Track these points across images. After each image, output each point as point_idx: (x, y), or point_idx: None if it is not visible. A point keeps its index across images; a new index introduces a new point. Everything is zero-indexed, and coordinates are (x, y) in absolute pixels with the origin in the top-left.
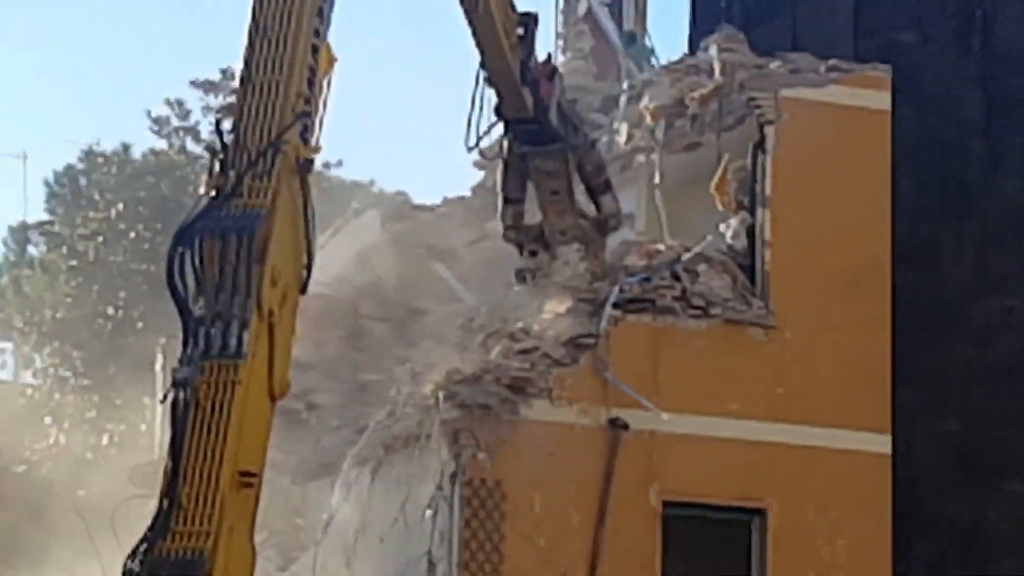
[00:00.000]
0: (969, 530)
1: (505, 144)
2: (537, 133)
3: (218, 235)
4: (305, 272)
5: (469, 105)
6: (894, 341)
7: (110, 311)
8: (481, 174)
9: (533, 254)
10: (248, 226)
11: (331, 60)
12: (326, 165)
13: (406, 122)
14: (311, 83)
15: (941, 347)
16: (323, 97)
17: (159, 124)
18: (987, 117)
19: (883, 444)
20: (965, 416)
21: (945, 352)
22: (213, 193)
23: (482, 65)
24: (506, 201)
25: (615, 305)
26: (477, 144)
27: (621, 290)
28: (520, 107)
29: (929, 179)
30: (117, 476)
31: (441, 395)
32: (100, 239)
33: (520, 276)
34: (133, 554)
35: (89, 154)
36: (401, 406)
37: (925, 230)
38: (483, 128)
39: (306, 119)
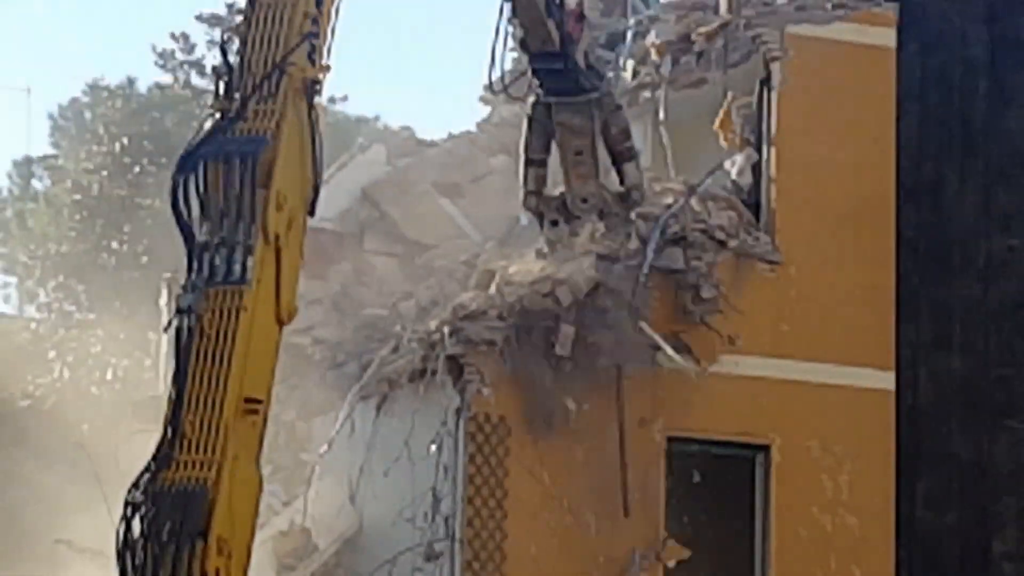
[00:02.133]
0: (972, 467)
1: (531, 98)
2: (563, 79)
3: (222, 159)
4: (313, 195)
5: (492, 38)
6: (898, 278)
7: (114, 245)
8: (487, 110)
9: (554, 224)
10: (253, 150)
11: None
12: (331, 100)
13: (412, 58)
14: (319, 2)
15: (945, 285)
16: (332, 15)
17: (164, 58)
18: (992, 56)
19: (886, 380)
20: (969, 354)
21: (949, 290)
22: (218, 116)
23: None
24: (528, 163)
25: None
26: (505, 88)
27: (662, 232)
28: (545, 39)
29: (934, 117)
30: (122, 411)
31: (446, 330)
32: (104, 173)
33: (540, 253)
34: (136, 484)
35: (94, 88)
36: (406, 341)
37: (930, 168)
38: (507, 64)
39: (313, 39)
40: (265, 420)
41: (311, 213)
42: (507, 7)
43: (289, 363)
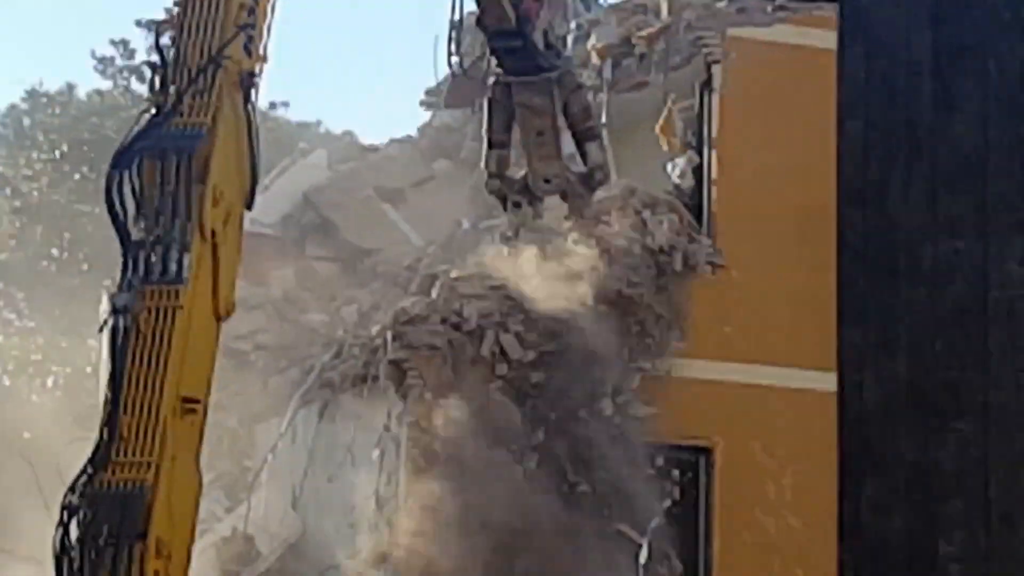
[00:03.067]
0: (918, 470)
1: (491, 80)
2: (521, 58)
3: (158, 155)
4: (250, 189)
5: (449, 20)
6: (840, 281)
7: (55, 253)
8: (428, 114)
9: (517, 206)
10: (188, 145)
11: None
12: (272, 105)
13: (353, 63)
14: None
15: (891, 289)
16: (268, 12)
17: (104, 64)
18: (937, 60)
19: (829, 382)
20: (915, 357)
21: (896, 294)
22: (153, 111)
23: None
24: (490, 145)
25: None
26: (464, 70)
27: None
28: (501, 17)
29: (879, 121)
30: (63, 419)
31: (388, 335)
32: (44, 180)
33: (505, 238)
34: (72, 487)
35: (33, 94)
36: (348, 347)
37: (875, 172)
38: (464, 46)
39: (249, 31)
40: (204, 419)
41: (248, 207)
42: None
43: (231, 369)
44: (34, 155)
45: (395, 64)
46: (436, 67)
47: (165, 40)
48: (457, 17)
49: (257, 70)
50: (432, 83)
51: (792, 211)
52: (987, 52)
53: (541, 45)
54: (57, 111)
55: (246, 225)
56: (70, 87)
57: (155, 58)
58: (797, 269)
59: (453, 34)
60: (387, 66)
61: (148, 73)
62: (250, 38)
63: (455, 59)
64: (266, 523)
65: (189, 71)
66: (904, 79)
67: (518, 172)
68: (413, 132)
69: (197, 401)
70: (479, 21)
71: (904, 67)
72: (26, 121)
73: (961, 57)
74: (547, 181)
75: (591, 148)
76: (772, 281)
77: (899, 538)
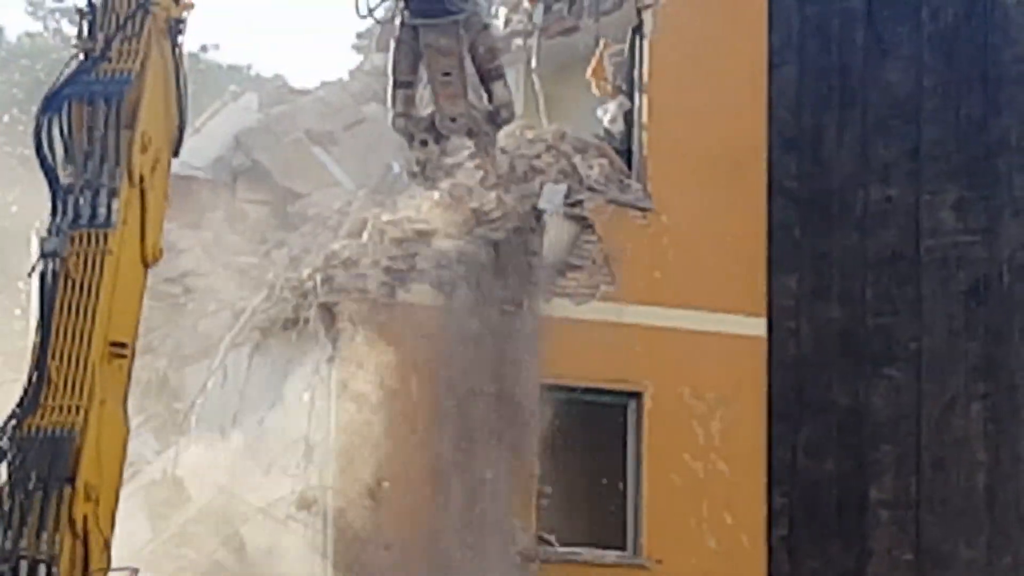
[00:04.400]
0: (850, 415)
1: (397, 21)
2: (429, 1)
3: (86, 100)
4: (177, 135)
5: None
6: (772, 227)
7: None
8: (359, 58)
9: (424, 144)
10: (116, 91)
11: None
12: (203, 48)
13: (283, 6)
14: None
15: (824, 235)
16: None
17: (34, 6)
18: (869, 7)
19: (759, 327)
20: (848, 303)
21: (828, 240)
22: (82, 56)
23: None
24: (396, 84)
25: None
26: (371, 12)
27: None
28: None
29: (812, 68)
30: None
31: (319, 278)
32: None
33: (411, 173)
34: (1, 431)
35: None
36: (279, 289)
37: (808, 118)
38: None
39: None
40: (131, 363)
41: (175, 154)
42: None
43: (161, 312)
44: None
45: (326, 7)
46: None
47: None
48: None
49: (184, 16)
50: (363, 27)
51: (723, 156)
52: None
53: None
54: None
55: (177, 168)
56: (0, 29)
57: (83, 3)
58: (728, 214)
59: None
60: (318, 9)
61: (77, 18)
62: None
63: (364, 2)
64: (196, 466)
65: (117, 17)
66: (837, 25)
67: (424, 111)
68: (344, 76)
69: (125, 345)
70: None
71: (837, 13)
72: None
73: (894, 3)
74: (453, 120)
75: (497, 87)
76: (703, 226)
77: (830, 483)
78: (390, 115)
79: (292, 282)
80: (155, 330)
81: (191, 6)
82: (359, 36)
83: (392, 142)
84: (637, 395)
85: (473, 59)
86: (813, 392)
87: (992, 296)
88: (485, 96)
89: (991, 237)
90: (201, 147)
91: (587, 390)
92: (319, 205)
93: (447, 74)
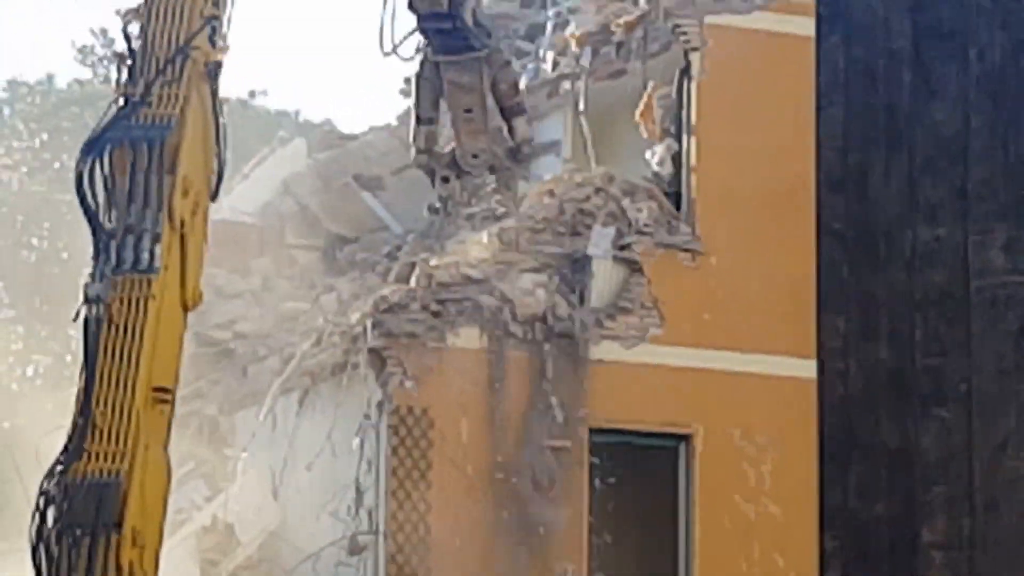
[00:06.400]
0: (900, 456)
1: (419, 58)
2: (452, 38)
3: (128, 145)
4: (216, 180)
5: (383, 3)
6: (820, 267)
7: (35, 242)
8: (407, 103)
9: (445, 181)
10: (159, 135)
11: None
12: (251, 94)
13: (332, 51)
14: None
15: (872, 275)
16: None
17: (83, 53)
18: (916, 47)
19: (808, 369)
20: (896, 343)
21: (876, 280)
22: (122, 102)
23: None
24: (418, 121)
25: None
26: (395, 49)
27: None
28: (434, 0)
29: (859, 108)
30: (43, 407)
31: (368, 323)
32: (24, 169)
33: (433, 209)
34: (50, 475)
35: (13, 84)
36: (328, 335)
37: (855, 158)
38: (397, 31)
39: (214, 22)
40: (173, 408)
41: (213, 198)
42: None
43: (211, 358)
44: (14, 144)
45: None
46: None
47: (134, 29)
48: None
49: (221, 59)
50: (411, 71)
51: (771, 198)
52: (966, 37)
53: (470, 23)
54: (37, 100)
55: (226, 214)
56: (50, 77)
57: (123, 48)
58: (776, 256)
59: (386, 17)
60: (365, 55)
61: (117, 63)
62: (214, 30)
63: (388, 40)
64: (246, 512)
65: (157, 61)
66: (883, 65)
67: (446, 147)
68: (392, 121)
69: (168, 391)
70: (410, 4)
71: (883, 53)
72: (6, 111)
73: (940, 43)
74: (475, 156)
75: (518, 123)
76: (751, 268)
77: (881, 525)
78: (412, 152)
79: (341, 327)
80: (204, 376)
81: (227, 49)
82: (407, 81)
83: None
84: (687, 438)
85: (495, 95)
86: (863, 433)
87: None
88: (507, 132)
89: None
90: (250, 193)
91: (637, 433)
92: (368, 250)
93: (469, 111)
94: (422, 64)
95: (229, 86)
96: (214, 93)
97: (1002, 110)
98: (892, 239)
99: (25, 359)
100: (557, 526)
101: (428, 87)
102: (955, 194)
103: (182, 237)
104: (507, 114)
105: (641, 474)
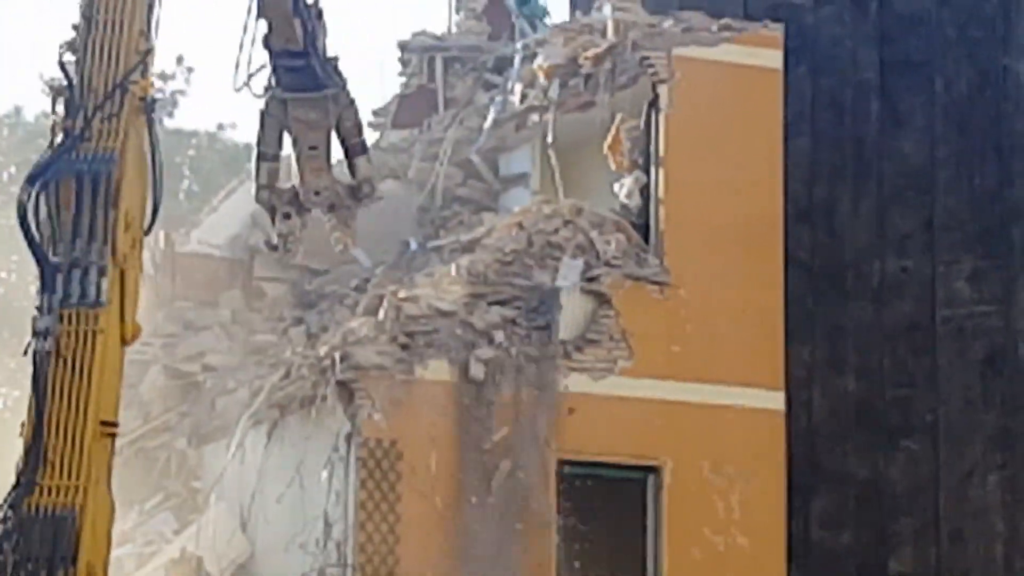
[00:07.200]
0: (867, 488)
1: (265, 95)
2: (302, 76)
3: (74, 178)
4: (152, 212)
5: (240, 39)
6: (787, 299)
7: (3, 275)
8: (375, 135)
9: (287, 217)
10: (105, 169)
11: None
12: (220, 127)
13: None
14: (148, 19)
15: (839, 306)
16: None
17: (51, 86)
18: (882, 78)
19: (777, 401)
20: (863, 375)
21: (843, 311)
22: (60, 136)
23: None
24: (261, 157)
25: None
26: (247, 83)
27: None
28: (290, 38)
29: (826, 139)
30: (11, 440)
31: (337, 356)
32: None
33: (270, 245)
34: (3, 512)
35: None
36: (296, 367)
37: (822, 190)
38: (253, 65)
39: (148, 56)
40: (114, 442)
41: (147, 232)
42: (254, 4)
43: (180, 390)
44: None
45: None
46: (382, 87)
47: (69, 59)
48: (248, 34)
49: (152, 93)
50: (379, 103)
51: (739, 229)
52: (933, 69)
53: (321, 63)
54: (5, 133)
55: (194, 246)
56: (18, 109)
57: (59, 81)
58: (745, 287)
59: (242, 55)
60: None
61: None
62: (146, 65)
63: (240, 76)
64: (215, 544)
65: (95, 95)
66: (851, 97)
67: (286, 183)
68: None
69: (115, 424)
70: (266, 40)
71: (850, 85)
72: None
73: (907, 74)
74: (317, 193)
75: (360, 162)
76: (720, 299)
77: (849, 555)
78: (253, 188)
79: (310, 360)
80: (173, 409)
81: (153, 85)
82: (375, 113)
83: (409, 218)
84: (656, 470)
85: (339, 134)
86: (829, 464)
87: (1008, 366)
88: (348, 171)
89: (1007, 307)
90: (218, 225)
91: (606, 465)
92: (336, 282)
93: (314, 148)
94: (268, 101)
95: (197, 119)
96: (150, 125)
97: (969, 141)
98: (859, 270)
99: None
100: (526, 558)
101: (273, 123)
102: (922, 225)
103: (122, 272)
104: (350, 153)
105: (610, 506)
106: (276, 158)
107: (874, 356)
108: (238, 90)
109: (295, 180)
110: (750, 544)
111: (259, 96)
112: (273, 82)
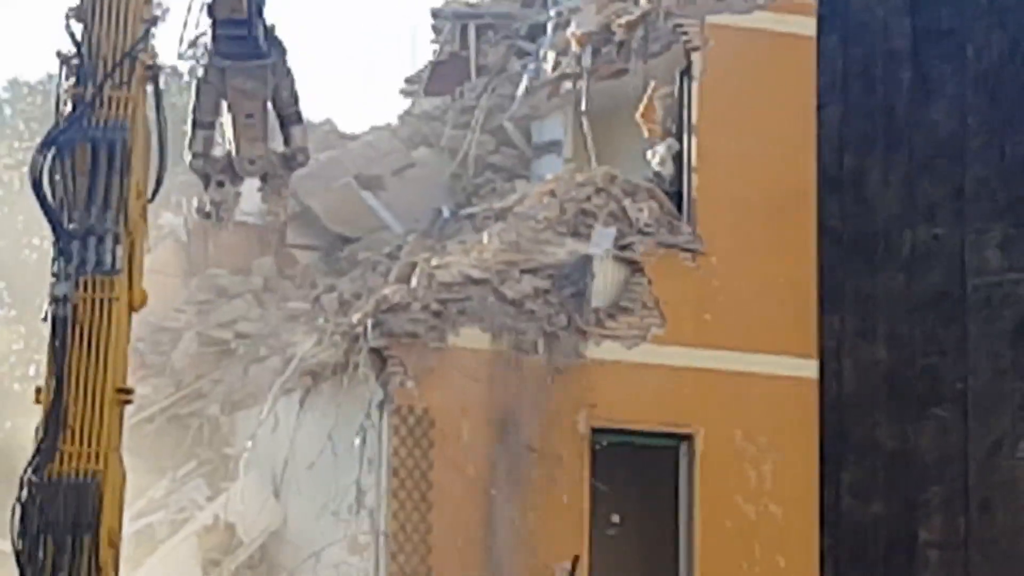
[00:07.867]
0: (898, 456)
1: (204, 62)
2: (243, 45)
3: (89, 146)
4: (156, 181)
5: (188, 5)
6: (821, 268)
7: (36, 241)
8: (408, 102)
9: (220, 185)
10: (119, 137)
11: None
12: None
13: (332, 51)
14: None
15: (869, 275)
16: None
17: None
18: (915, 47)
19: (809, 369)
20: (893, 343)
21: (873, 280)
22: (70, 105)
23: None
24: (196, 125)
25: None
26: (188, 49)
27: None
28: (235, 8)
29: (857, 108)
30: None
31: (369, 323)
32: (25, 169)
33: (203, 212)
34: (24, 477)
35: (14, 83)
36: (329, 335)
37: (853, 159)
38: (192, 33)
39: (154, 25)
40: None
41: (151, 199)
42: None
43: (212, 357)
44: (15, 144)
45: (374, 52)
46: (415, 55)
47: (76, 28)
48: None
49: (159, 63)
50: (411, 71)
51: (771, 198)
52: (964, 37)
53: (263, 32)
54: (38, 101)
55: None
56: (51, 76)
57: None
58: (776, 256)
59: (189, 20)
60: (366, 54)
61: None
62: (152, 33)
63: (184, 44)
64: (247, 511)
65: (104, 63)
66: (882, 65)
67: (220, 151)
68: (393, 120)
69: (130, 391)
70: (210, 9)
71: (882, 53)
72: (7, 110)
73: (939, 43)
74: (252, 162)
75: (295, 131)
76: (751, 268)
77: (878, 524)
78: (187, 156)
79: (342, 327)
80: (206, 376)
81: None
82: (408, 81)
83: (441, 186)
84: (688, 438)
85: (275, 103)
86: (859, 433)
87: None
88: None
89: None
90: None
91: (638, 433)
92: (369, 250)
93: (250, 116)
94: (206, 68)
95: None
96: (157, 93)
97: (999, 109)
98: (889, 239)
99: (26, 359)
100: (558, 526)
101: (211, 91)
102: (952, 194)
103: (131, 240)
104: (285, 122)
105: (642, 474)
106: (212, 126)
107: (904, 325)
108: (180, 58)
109: (230, 148)
110: (782, 513)
111: (200, 64)
112: (210, 48)
